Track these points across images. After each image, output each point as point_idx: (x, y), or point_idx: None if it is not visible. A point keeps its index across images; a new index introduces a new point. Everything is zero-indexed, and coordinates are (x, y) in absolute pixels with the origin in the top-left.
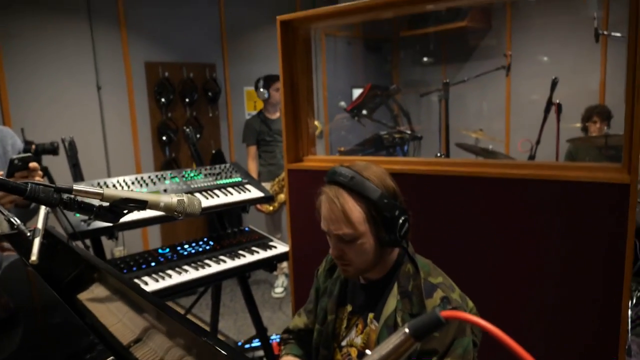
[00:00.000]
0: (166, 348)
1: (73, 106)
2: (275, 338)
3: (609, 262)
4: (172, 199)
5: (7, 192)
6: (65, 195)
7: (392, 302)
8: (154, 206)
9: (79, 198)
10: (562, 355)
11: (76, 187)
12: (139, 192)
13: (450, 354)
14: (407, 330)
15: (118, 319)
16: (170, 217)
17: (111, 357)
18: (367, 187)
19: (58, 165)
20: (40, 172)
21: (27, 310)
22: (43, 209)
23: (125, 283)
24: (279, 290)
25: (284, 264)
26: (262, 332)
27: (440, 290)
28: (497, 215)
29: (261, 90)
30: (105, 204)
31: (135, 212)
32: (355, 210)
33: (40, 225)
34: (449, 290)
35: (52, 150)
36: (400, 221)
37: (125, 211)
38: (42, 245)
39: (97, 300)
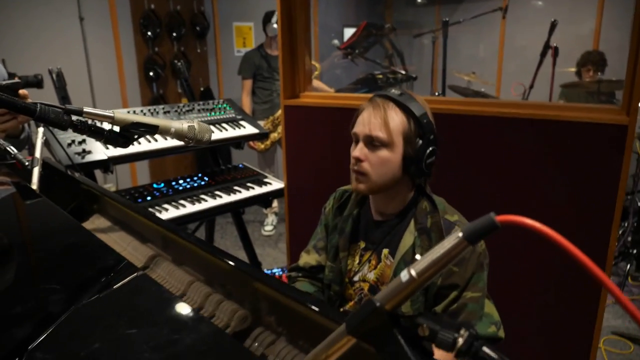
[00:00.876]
0: (182, 277)
1: (55, 38)
2: (267, 273)
3: (601, 201)
4: (183, 124)
5: (16, 112)
6: (75, 118)
7: (408, 238)
8: (165, 131)
9: (90, 121)
10: (551, 290)
11: (87, 109)
12: (149, 117)
13: (471, 287)
14: (460, 234)
15: (123, 248)
16: (159, 153)
17: (140, 271)
18: (413, 104)
19: (43, 99)
20: (29, 100)
21: (45, 234)
22: (39, 140)
23: (136, 210)
24: (268, 228)
25: (274, 203)
26: (257, 266)
27: (457, 227)
28: (497, 155)
29: (273, 25)
30: (116, 128)
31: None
32: (397, 119)
33: (37, 154)
34: None
35: (37, 82)
36: (430, 150)
37: (136, 136)
38: (41, 175)
39: (99, 230)
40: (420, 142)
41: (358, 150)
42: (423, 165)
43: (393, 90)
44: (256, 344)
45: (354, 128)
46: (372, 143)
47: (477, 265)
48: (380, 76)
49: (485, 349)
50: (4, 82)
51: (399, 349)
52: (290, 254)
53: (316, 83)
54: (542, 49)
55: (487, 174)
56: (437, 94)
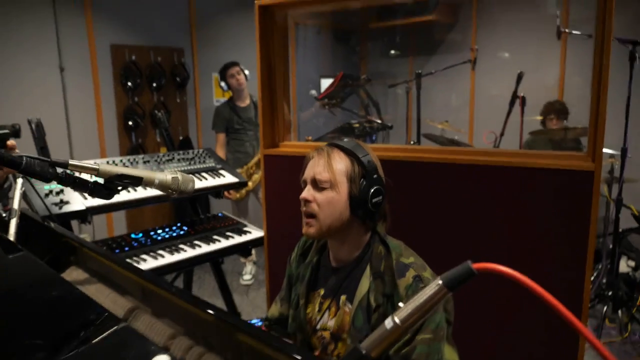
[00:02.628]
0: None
1: (34, 87)
2: None
3: (574, 245)
4: (167, 176)
5: (2, 165)
6: (60, 170)
7: (365, 283)
8: (149, 183)
9: (75, 173)
10: (528, 336)
11: (72, 162)
12: (133, 169)
13: (423, 330)
14: (440, 281)
15: (101, 301)
16: (138, 203)
17: (122, 324)
18: (357, 148)
19: (21, 149)
20: (17, 151)
21: (25, 287)
22: (18, 190)
23: (115, 260)
24: (247, 277)
25: (252, 252)
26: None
27: (412, 270)
28: (467, 201)
29: (221, 83)
30: (100, 180)
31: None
32: (341, 162)
33: (15, 205)
34: (420, 269)
35: (14, 132)
36: (375, 189)
37: (120, 187)
38: (18, 225)
39: (76, 282)
40: (365, 182)
41: (305, 192)
42: (369, 204)
43: (340, 140)
44: None
45: (303, 175)
46: (318, 185)
47: None
48: (357, 125)
49: None
50: None
51: None
52: (270, 302)
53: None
54: (510, 99)
55: (461, 221)
56: (412, 142)
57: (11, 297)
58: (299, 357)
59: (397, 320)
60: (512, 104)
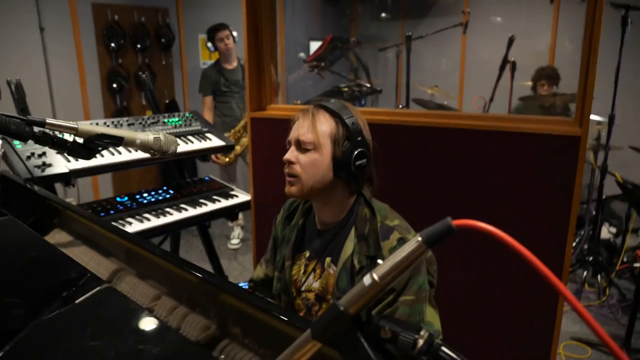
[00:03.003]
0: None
1: (14, 48)
2: None
3: (557, 210)
4: (149, 136)
5: None
6: (37, 129)
7: (349, 245)
8: (130, 143)
9: (52, 132)
10: (508, 299)
11: (49, 120)
12: (114, 129)
13: (406, 291)
14: (419, 238)
15: (85, 263)
16: (123, 166)
17: (106, 284)
18: (342, 110)
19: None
20: None
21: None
22: None
23: (100, 223)
24: (234, 241)
25: (240, 216)
26: None
27: (397, 232)
28: (454, 165)
29: (208, 44)
30: (80, 139)
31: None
32: (325, 123)
33: None
34: (405, 232)
35: None
36: (358, 151)
37: (100, 148)
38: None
39: (60, 244)
40: (348, 144)
41: (289, 153)
42: (352, 167)
43: (327, 100)
44: (222, 357)
45: (288, 137)
46: (301, 147)
47: (414, 269)
48: (346, 89)
49: (444, 349)
50: None
51: (363, 352)
52: (256, 266)
53: None
54: (500, 63)
55: (447, 185)
56: (400, 106)
57: None
58: (284, 318)
59: (375, 277)
60: (502, 68)
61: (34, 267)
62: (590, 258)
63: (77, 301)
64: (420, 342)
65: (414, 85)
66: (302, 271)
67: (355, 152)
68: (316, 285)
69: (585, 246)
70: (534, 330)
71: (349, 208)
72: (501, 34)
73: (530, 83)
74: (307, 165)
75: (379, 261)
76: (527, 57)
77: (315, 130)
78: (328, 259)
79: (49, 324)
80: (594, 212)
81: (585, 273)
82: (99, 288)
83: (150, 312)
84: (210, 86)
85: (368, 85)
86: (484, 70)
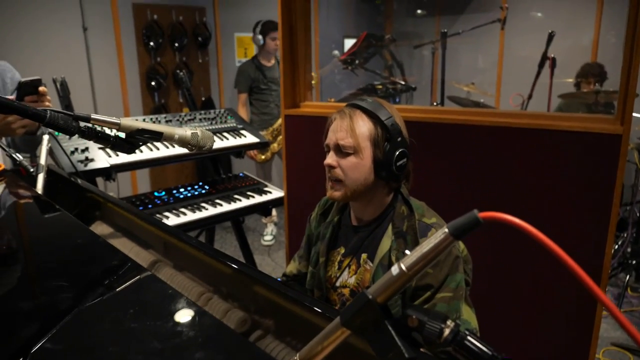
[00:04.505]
0: (184, 283)
1: (58, 47)
2: None
3: (596, 211)
4: (187, 131)
5: (27, 118)
6: (82, 124)
7: (386, 242)
8: (169, 138)
9: (97, 127)
10: (544, 301)
11: (94, 116)
12: (154, 124)
13: (443, 288)
14: (446, 230)
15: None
16: (161, 161)
17: (147, 272)
18: (380, 110)
19: None
20: (49, 97)
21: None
22: (44, 147)
23: (140, 215)
24: (268, 238)
25: (274, 213)
26: None
27: (434, 230)
28: (490, 164)
29: (258, 36)
30: (121, 134)
31: (130, 154)
32: (363, 125)
33: (42, 161)
34: None
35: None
36: (399, 152)
37: (141, 142)
38: (46, 181)
39: (102, 236)
40: (389, 145)
41: (329, 158)
42: (394, 167)
43: (364, 98)
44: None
45: (325, 139)
46: (342, 151)
47: (451, 267)
48: (380, 86)
49: (470, 338)
50: (24, 80)
51: (390, 340)
52: (289, 263)
53: None
54: (540, 60)
55: (483, 183)
56: (435, 104)
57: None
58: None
59: (403, 267)
60: (541, 65)
61: (80, 254)
62: (634, 262)
63: (119, 288)
64: (447, 331)
65: (450, 83)
66: (336, 267)
67: (397, 153)
68: (351, 281)
69: (629, 249)
70: (572, 334)
71: (386, 205)
72: (541, 29)
73: (571, 80)
74: (349, 169)
75: (407, 252)
76: (568, 53)
77: (354, 134)
78: (364, 255)
79: (93, 308)
80: (638, 214)
81: (627, 277)
82: (139, 277)
83: (189, 300)
84: (248, 83)
85: (402, 82)
86: (523, 67)
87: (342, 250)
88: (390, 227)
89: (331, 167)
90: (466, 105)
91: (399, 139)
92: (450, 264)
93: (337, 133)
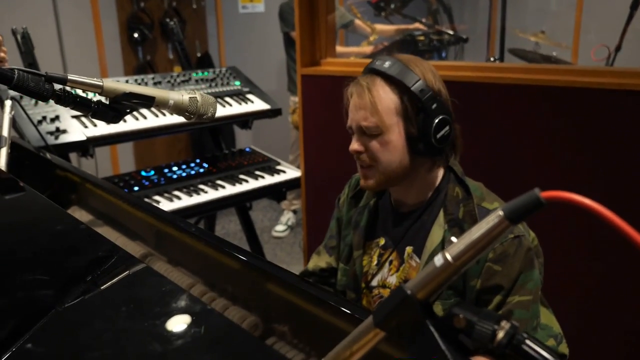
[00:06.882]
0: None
1: None
2: None
3: None
4: (183, 96)
5: None
6: (57, 87)
7: (437, 232)
8: (162, 104)
9: (75, 91)
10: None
11: (71, 77)
12: (143, 87)
13: (518, 290)
14: (501, 212)
15: None
16: (149, 133)
17: (142, 265)
18: (405, 74)
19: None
20: (4, 48)
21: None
22: (7, 115)
23: (126, 198)
24: (280, 228)
25: (294, 197)
26: None
27: None
28: (565, 134)
29: None
30: (104, 99)
31: (111, 125)
32: (386, 98)
33: (5, 132)
34: None
35: None
36: (438, 120)
37: (128, 109)
38: (9, 156)
39: None
40: (423, 115)
41: (354, 143)
42: (433, 140)
43: (383, 58)
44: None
45: (347, 121)
46: (366, 133)
47: (524, 262)
48: (422, 38)
49: (529, 342)
50: None
51: (432, 343)
52: (307, 258)
53: (342, 50)
54: (632, 1)
55: (554, 158)
56: (493, 59)
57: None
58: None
59: (448, 257)
60: (634, 7)
61: (60, 243)
62: None
63: (109, 283)
64: (501, 333)
65: (512, 32)
66: (374, 262)
67: (435, 123)
68: (392, 280)
69: None
70: None
71: (435, 186)
72: None
73: None
74: (379, 152)
75: (453, 239)
76: None
77: (377, 111)
78: (409, 249)
79: (79, 306)
80: None
81: None
82: (130, 270)
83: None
84: None
85: (451, 32)
86: (609, 11)
87: (382, 242)
88: (442, 214)
89: (357, 152)
90: (533, 61)
91: (434, 106)
92: (522, 259)
93: (357, 113)
